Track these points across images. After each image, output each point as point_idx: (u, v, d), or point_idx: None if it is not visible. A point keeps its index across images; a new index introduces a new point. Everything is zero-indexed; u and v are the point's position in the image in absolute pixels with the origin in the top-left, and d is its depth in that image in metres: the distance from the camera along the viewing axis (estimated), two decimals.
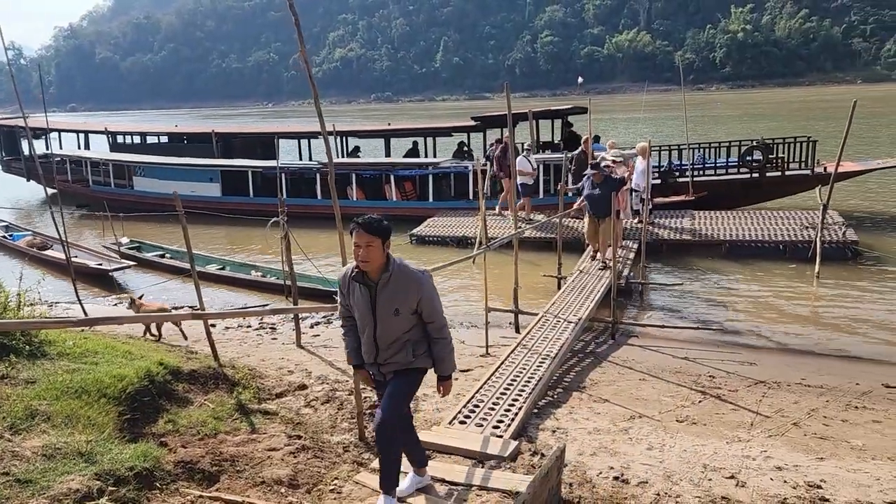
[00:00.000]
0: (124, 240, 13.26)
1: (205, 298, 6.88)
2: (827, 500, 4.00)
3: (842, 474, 4.43)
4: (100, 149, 23.91)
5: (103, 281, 11.62)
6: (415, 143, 19.12)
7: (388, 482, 3.56)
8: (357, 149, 20.53)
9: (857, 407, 5.79)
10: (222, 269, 11.74)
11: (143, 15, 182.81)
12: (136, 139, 24.62)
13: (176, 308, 9.93)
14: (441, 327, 3.55)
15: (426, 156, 18.60)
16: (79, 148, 24.25)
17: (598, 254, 10.30)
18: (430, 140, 19.51)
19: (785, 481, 4.30)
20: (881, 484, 4.29)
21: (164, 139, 23.90)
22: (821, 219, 10.92)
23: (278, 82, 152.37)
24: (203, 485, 3.71)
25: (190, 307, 9.26)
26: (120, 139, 24.54)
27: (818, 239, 10.51)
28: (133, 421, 4.36)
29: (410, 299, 3.42)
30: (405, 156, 18.38)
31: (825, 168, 13.57)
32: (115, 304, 10.40)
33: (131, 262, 11.97)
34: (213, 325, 8.25)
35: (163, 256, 12.71)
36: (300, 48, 4.18)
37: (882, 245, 11.79)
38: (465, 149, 18.11)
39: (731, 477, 4.37)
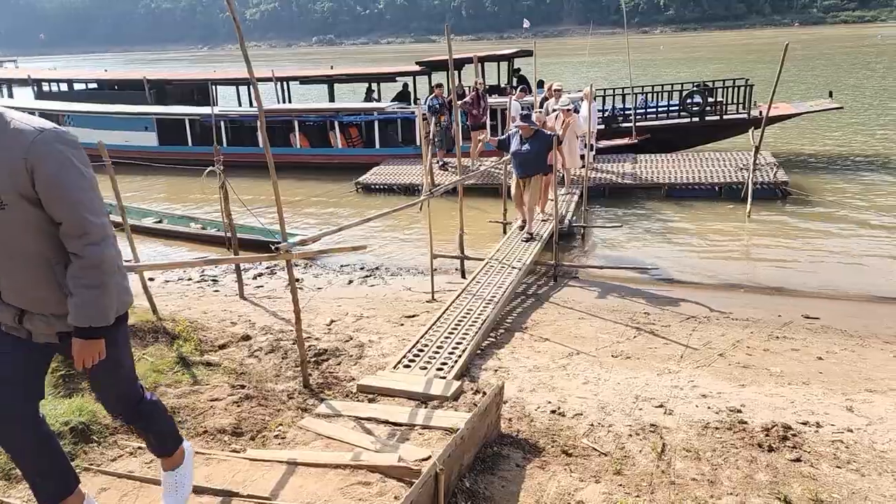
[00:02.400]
0: None
1: (142, 253, 6.71)
2: (745, 423, 4.29)
3: (760, 399, 4.76)
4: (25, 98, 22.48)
5: None
6: (405, 86, 18.49)
7: (49, 493, 2.36)
8: (371, 91, 19.49)
9: (778, 337, 6.16)
10: (159, 222, 11.37)
11: None
12: (63, 87, 23.23)
13: None
14: (83, 234, 2.08)
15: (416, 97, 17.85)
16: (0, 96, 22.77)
17: (526, 222, 8.92)
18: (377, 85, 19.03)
19: (708, 407, 4.58)
20: (795, 406, 4.64)
21: (94, 86, 22.62)
22: (752, 160, 11.31)
23: (213, 24, 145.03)
24: None
25: (126, 261, 8.98)
26: (45, 87, 23.11)
27: (750, 180, 10.91)
28: (68, 377, 4.28)
29: (15, 173, 2.00)
30: (393, 99, 17.81)
31: (761, 111, 13.96)
32: None
33: None
34: (152, 279, 8.06)
35: None
36: None
37: (810, 185, 12.34)
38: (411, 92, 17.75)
39: (660, 406, 4.63)
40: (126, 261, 7.96)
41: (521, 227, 9.09)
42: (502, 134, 13.55)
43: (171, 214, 11.81)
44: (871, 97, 24.20)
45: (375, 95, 19.13)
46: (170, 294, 7.87)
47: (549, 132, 8.89)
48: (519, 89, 14.00)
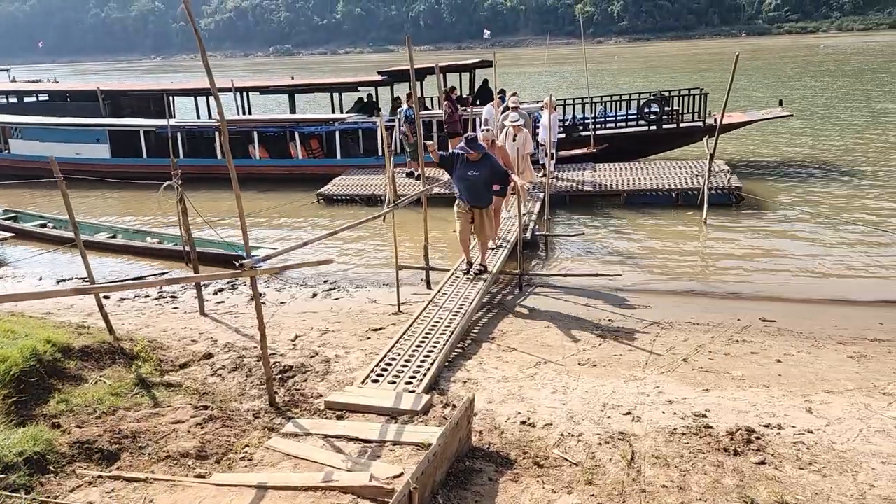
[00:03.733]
0: None
1: (96, 269, 6.47)
2: (710, 427, 4.38)
3: (724, 403, 4.86)
4: None
5: None
6: (369, 97, 18.20)
7: None
8: (361, 100, 18.99)
9: (738, 341, 6.32)
10: (113, 237, 11.02)
11: None
12: (13, 98, 22.41)
13: (62, 281, 9.28)
14: None
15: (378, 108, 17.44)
16: None
17: (469, 263, 7.81)
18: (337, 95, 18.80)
19: (675, 413, 4.66)
20: (757, 409, 4.75)
21: (44, 97, 21.90)
22: (708, 167, 11.62)
23: (167, 34, 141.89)
24: (102, 464, 3.55)
25: (80, 279, 8.67)
26: None
27: (706, 186, 11.21)
28: (21, 404, 4.09)
29: None
30: (359, 110, 17.44)
31: (715, 119, 14.36)
32: None
33: (8, 234, 10.99)
34: (107, 297, 7.80)
35: (44, 226, 11.74)
36: None
37: (762, 190, 12.73)
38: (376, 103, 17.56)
39: (628, 413, 4.68)
40: (81, 279, 7.71)
41: (466, 271, 7.75)
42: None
43: (127, 229, 11.47)
44: (820, 105, 25.18)
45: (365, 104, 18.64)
46: (126, 312, 7.61)
47: (499, 160, 7.72)
48: (504, 97, 14.00)
